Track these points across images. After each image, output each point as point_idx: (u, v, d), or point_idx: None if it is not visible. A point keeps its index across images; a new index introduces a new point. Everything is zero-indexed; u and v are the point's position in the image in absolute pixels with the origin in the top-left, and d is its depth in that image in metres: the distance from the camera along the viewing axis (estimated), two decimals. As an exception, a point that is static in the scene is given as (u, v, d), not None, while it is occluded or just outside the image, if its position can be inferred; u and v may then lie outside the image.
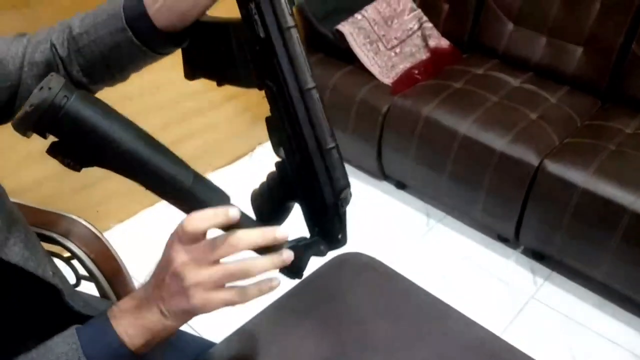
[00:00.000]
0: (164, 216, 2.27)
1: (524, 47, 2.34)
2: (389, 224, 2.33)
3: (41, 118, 0.57)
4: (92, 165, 0.62)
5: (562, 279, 2.11)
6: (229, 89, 0.78)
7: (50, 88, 0.57)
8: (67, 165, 0.61)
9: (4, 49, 0.75)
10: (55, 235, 1.09)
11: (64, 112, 0.57)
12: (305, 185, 0.68)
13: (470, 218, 2.27)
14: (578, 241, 1.92)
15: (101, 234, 1.14)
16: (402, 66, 2.38)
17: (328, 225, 0.70)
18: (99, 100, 0.62)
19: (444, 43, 2.47)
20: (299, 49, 0.62)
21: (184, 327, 1.06)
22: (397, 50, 2.40)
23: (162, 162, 0.63)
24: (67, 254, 1.12)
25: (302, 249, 0.69)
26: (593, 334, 1.92)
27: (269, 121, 0.69)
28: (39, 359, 0.66)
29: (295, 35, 0.62)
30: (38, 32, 0.77)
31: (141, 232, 2.23)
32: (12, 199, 1.17)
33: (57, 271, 0.82)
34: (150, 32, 0.71)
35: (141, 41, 0.72)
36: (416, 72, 2.35)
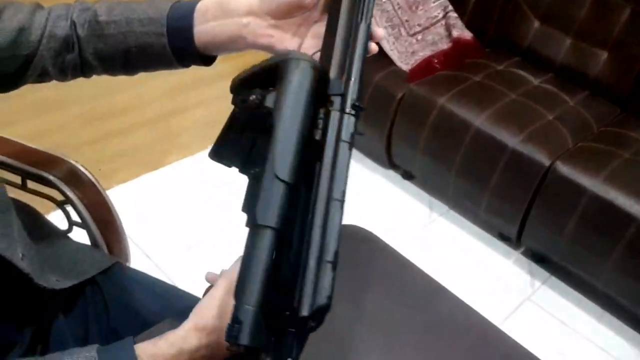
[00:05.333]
0: (165, 182, 2.28)
1: (548, 46, 2.30)
2: (391, 213, 2.31)
3: None
4: None
5: (560, 284, 2.08)
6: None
7: None
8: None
9: (28, 18, 0.76)
10: (51, 178, 1.08)
11: None
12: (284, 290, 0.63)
13: (474, 214, 2.24)
14: (581, 247, 1.89)
15: (98, 182, 1.12)
16: (423, 54, 2.34)
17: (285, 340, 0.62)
18: None
19: (467, 35, 2.42)
20: (345, 162, 0.63)
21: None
22: (419, 37, 2.36)
23: None
24: (61, 198, 1.10)
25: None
26: (587, 342, 1.89)
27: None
28: None
29: (347, 151, 0.63)
30: (56, 6, 0.79)
31: (142, 196, 2.21)
32: (18, 140, 1.15)
33: (29, 252, 0.81)
34: (186, 46, 0.74)
35: (172, 50, 0.75)
36: (436, 61, 2.31)
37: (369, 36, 0.68)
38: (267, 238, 0.61)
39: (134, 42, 0.75)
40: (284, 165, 0.62)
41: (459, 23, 2.40)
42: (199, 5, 0.73)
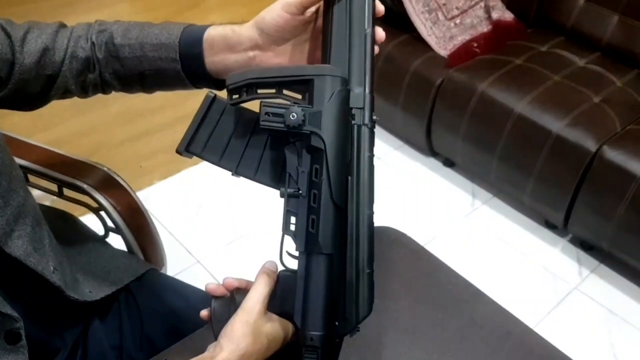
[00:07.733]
0: (206, 177, 2.29)
1: (593, 25, 2.20)
2: (432, 201, 2.27)
3: None
4: None
5: (610, 272, 2.01)
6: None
7: None
8: None
9: (52, 39, 0.78)
10: (85, 186, 1.09)
11: None
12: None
13: (518, 202, 2.18)
14: (632, 234, 1.81)
15: (131, 188, 1.14)
16: (461, 38, 2.28)
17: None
18: None
19: (508, 16, 2.35)
20: (373, 175, 0.66)
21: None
22: (457, 21, 2.29)
23: None
24: (96, 205, 1.11)
25: None
26: (638, 332, 1.82)
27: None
28: None
29: (373, 164, 0.66)
30: (78, 26, 0.80)
31: (183, 191, 2.24)
32: (50, 148, 1.17)
33: (60, 264, 0.83)
34: (199, 72, 0.76)
35: (187, 75, 0.77)
36: (475, 45, 2.25)
37: (374, 41, 0.69)
38: (327, 264, 0.66)
39: (148, 66, 0.77)
40: (339, 192, 0.65)
41: (499, 4, 2.33)
42: (206, 36, 0.75)
